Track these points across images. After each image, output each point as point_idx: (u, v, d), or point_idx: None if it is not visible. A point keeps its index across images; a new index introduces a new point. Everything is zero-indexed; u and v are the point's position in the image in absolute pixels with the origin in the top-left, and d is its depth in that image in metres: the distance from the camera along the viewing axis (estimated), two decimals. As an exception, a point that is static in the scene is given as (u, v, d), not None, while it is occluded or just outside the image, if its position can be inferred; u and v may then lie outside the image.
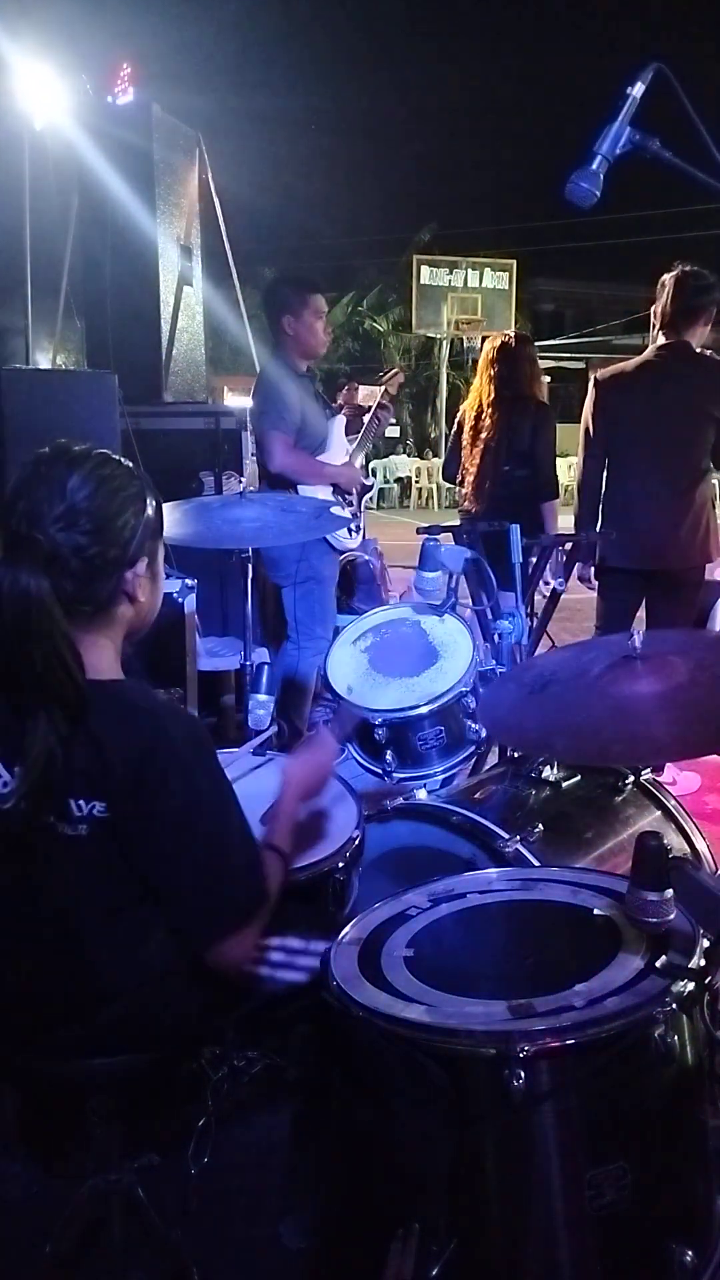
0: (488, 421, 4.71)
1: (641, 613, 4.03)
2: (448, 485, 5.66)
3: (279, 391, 4.12)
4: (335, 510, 3.42)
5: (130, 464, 1.58)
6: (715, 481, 4.14)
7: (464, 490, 4.88)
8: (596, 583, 4.06)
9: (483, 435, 4.71)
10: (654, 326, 3.88)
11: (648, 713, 1.61)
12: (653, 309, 3.88)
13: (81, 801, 1.46)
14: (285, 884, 1.68)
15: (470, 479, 4.79)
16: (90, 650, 1.51)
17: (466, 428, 4.85)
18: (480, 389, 4.82)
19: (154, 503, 1.58)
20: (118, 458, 1.56)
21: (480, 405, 4.77)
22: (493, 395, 4.71)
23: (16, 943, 1.55)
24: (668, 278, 3.79)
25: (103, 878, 1.49)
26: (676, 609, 3.87)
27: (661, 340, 3.83)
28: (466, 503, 4.84)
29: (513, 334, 5.04)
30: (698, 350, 3.81)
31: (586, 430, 4.02)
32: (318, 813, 2.02)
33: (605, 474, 3.95)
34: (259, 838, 1.68)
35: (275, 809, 1.76)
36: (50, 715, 1.44)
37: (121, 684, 1.54)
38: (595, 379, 4.05)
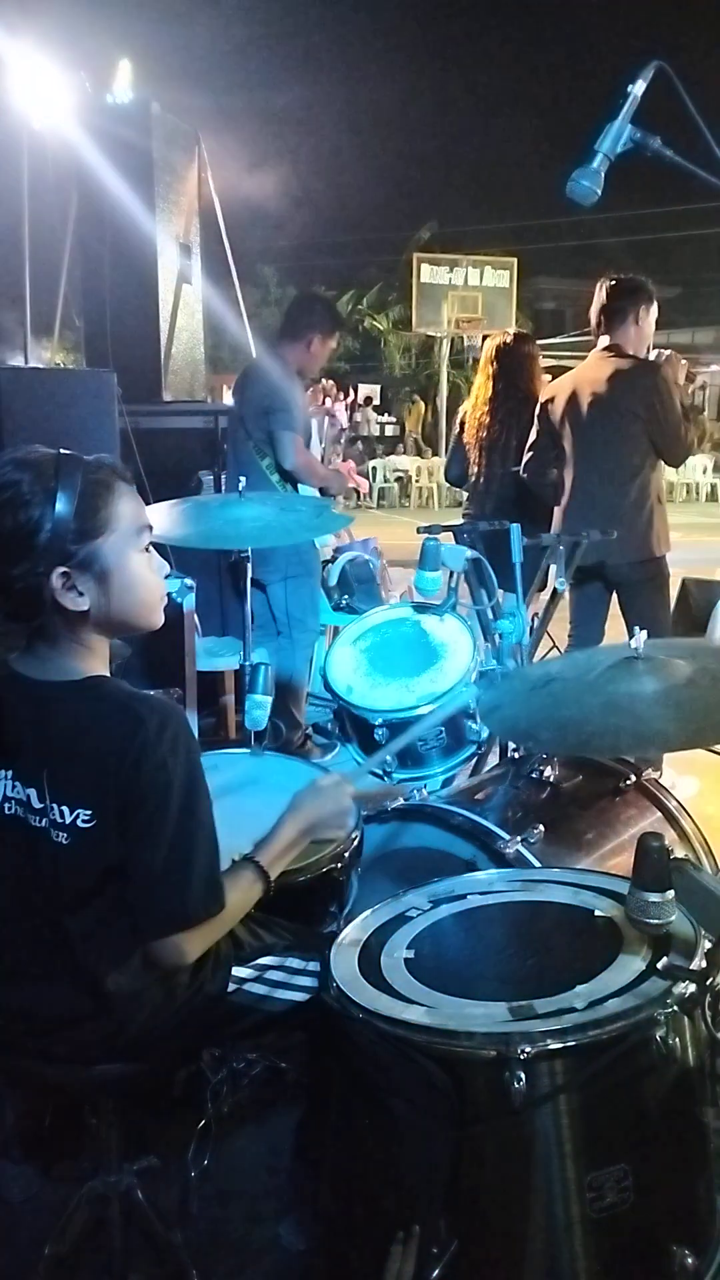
0: (488, 421, 4.65)
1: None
2: (448, 484, 5.58)
3: (293, 393, 4.17)
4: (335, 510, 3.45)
5: (49, 456, 1.45)
6: (671, 478, 4.27)
7: (469, 492, 4.82)
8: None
9: (484, 436, 4.65)
10: (594, 334, 4.03)
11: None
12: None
13: (65, 809, 1.45)
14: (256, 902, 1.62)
15: (474, 481, 4.73)
16: (64, 655, 1.49)
17: (469, 430, 4.78)
18: (480, 389, 4.75)
19: (71, 504, 1.42)
20: (28, 456, 1.44)
21: (480, 406, 4.71)
22: (492, 395, 4.65)
23: (18, 952, 1.54)
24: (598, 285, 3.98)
25: (94, 883, 1.48)
26: (642, 602, 3.95)
27: (600, 344, 3.98)
28: (472, 505, 4.76)
29: (512, 332, 4.96)
30: (629, 352, 3.92)
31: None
32: None
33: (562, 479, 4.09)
34: (249, 853, 1.65)
35: (273, 829, 1.71)
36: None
37: (96, 680, 1.51)
38: (540, 401, 4.19)
